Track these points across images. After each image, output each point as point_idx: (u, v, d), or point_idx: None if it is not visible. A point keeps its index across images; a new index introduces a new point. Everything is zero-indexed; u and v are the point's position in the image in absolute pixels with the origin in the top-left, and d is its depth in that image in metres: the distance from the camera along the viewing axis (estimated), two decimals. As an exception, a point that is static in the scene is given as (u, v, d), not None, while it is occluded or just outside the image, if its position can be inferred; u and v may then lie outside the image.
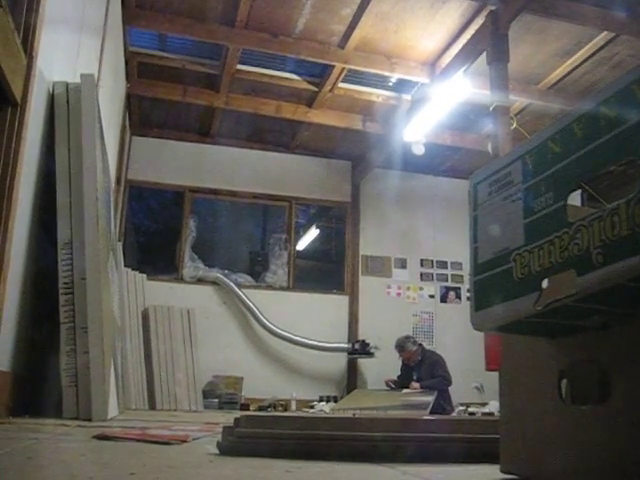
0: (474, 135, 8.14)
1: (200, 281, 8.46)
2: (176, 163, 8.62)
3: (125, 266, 7.13)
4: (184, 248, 8.54)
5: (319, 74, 7.32)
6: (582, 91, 7.00)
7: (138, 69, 7.25)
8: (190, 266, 8.48)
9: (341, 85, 7.42)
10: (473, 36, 5.91)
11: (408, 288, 9.16)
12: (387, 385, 7.16)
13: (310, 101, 7.78)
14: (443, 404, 6.40)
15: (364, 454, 1.48)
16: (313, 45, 6.63)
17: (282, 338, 8.24)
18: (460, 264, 9.20)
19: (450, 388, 6.79)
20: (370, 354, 8.26)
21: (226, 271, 8.58)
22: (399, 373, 7.27)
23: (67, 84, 3.44)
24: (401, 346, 7.09)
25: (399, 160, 8.31)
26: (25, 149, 2.66)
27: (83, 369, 3.09)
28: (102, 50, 4.79)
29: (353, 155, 9.15)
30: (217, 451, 1.59)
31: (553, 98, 7.14)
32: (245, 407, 7.37)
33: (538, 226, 0.99)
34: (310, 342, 8.27)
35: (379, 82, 7.47)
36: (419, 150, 7.48)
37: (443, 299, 9.25)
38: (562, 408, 1.04)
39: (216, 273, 8.49)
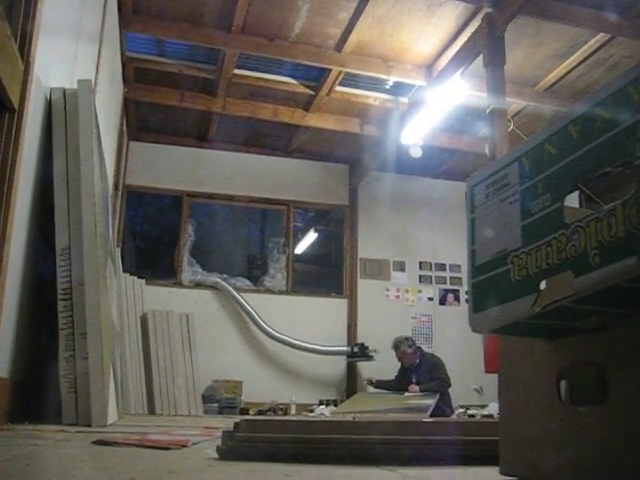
0: (471, 137, 8.15)
1: (199, 285, 8.45)
2: (174, 168, 8.62)
3: (124, 271, 7.13)
4: (182, 253, 8.53)
5: (316, 78, 7.33)
6: (578, 93, 7.01)
7: (135, 74, 7.26)
8: (188, 271, 8.48)
9: (338, 88, 7.43)
10: (469, 39, 5.93)
11: (407, 291, 9.16)
12: (370, 383, 7.23)
13: (307, 105, 7.79)
14: (443, 407, 6.40)
15: (364, 457, 1.48)
16: (310, 49, 6.64)
17: (281, 342, 8.24)
18: (459, 266, 9.20)
19: (450, 390, 6.80)
20: (369, 357, 8.25)
21: (225, 275, 8.58)
22: (397, 374, 7.28)
23: (64, 90, 3.44)
24: (396, 345, 7.12)
25: (396, 163, 8.32)
26: (23, 155, 2.66)
27: (82, 375, 3.09)
28: (99, 55, 4.79)
29: (350, 158, 9.15)
30: (217, 456, 1.59)
31: (549, 100, 7.15)
32: (245, 411, 7.37)
33: (535, 228, 0.99)
34: (309, 345, 8.26)
35: (376, 85, 7.48)
36: (416, 153, 7.49)
37: (442, 301, 9.25)
38: (561, 409, 1.04)
39: (215, 277, 8.49)
